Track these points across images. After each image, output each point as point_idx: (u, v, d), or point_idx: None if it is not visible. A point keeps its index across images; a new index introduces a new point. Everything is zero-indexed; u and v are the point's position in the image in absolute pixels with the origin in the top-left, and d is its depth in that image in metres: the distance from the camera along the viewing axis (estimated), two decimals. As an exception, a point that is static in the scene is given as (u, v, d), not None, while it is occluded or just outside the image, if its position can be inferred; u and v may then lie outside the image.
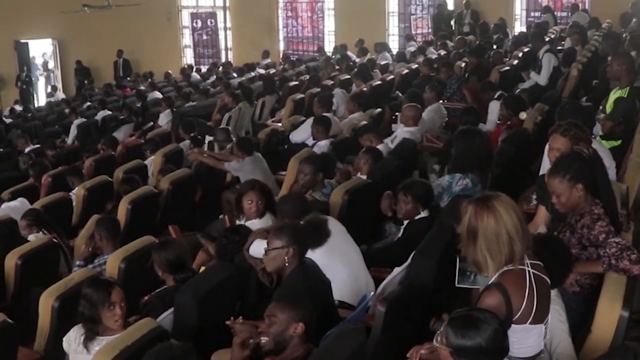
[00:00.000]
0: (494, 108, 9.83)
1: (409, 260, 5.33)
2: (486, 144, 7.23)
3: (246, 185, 6.79)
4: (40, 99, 26.41)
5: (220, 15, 26.31)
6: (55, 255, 7.14)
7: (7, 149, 15.68)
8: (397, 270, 5.41)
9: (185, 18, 27.24)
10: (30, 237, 7.35)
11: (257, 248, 5.40)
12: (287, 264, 4.96)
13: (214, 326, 4.93)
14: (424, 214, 6.31)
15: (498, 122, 9.42)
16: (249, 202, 6.55)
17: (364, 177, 7.52)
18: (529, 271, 3.82)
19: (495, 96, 10.30)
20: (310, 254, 5.20)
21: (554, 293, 4.18)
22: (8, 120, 20.20)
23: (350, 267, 5.69)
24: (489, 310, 3.58)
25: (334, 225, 5.83)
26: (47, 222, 7.62)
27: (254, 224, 6.42)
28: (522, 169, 8.12)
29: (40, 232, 7.41)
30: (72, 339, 4.89)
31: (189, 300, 4.94)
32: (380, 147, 8.37)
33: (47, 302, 5.45)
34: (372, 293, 5.34)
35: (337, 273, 5.40)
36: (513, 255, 3.79)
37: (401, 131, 9.35)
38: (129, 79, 24.89)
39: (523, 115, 8.82)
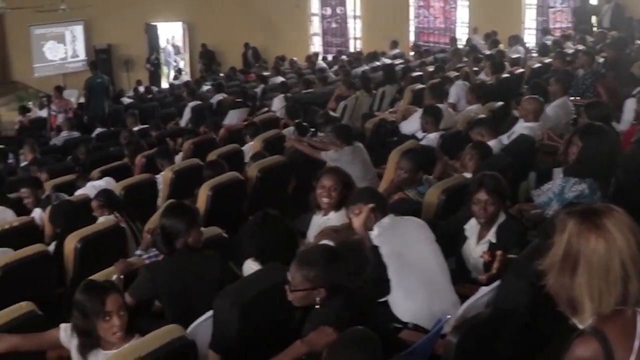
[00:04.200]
0: (630, 106, 8.73)
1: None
2: (613, 145, 6.08)
3: (323, 170, 6.02)
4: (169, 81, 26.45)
5: (350, 2, 25.63)
6: (120, 240, 6.57)
7: (119, 127, 15.47)
8: (483, 290, 4.43)
9: (315, 5, 26.70)
10: (101, 219, 6.89)
11: None
12: (317, 306, 4.07)
13: (261, 338, 4.19)
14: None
15: (633, 122, 8.32)
16: (321, 187, 5.77)
17: (469, 175, 6.62)
18: None
19: (634, 93, 9.15)
20: None
21: None
22: (128, 101, 20.23)
23: (431, 284, 4.82)
24: None
25: (418, 232, 5.00)
26: (119, 204, 7.11)
27: (330, 219, 5.65)
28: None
29: (112, 215, 6.90)
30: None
31: (228, 306, 4.18)
32: (492, 142, 7.44)
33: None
34: (448, 316, 4.40)
35: (411, 291, 4.56)
36: (626, 298, 2.68)
37: (519, 126, 8.36)
38: (257, 64, 24.61)
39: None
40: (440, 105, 9.62)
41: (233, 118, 13.58)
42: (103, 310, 3.99)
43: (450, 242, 5.32)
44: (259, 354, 4.09)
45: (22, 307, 4.66)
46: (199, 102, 16.07)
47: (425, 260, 4.88)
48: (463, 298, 4.77)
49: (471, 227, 5.37)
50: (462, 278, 5.23)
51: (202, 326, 4.36)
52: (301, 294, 4.04)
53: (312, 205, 6.07)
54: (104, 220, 6.78)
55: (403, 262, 4.73)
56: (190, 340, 3.96)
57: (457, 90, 11.78)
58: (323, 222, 5.80)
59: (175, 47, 27.53)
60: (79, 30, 26.20)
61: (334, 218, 5.73)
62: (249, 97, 16.19)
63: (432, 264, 4.90)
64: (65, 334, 4.25)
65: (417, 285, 4.76)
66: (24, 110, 20.29)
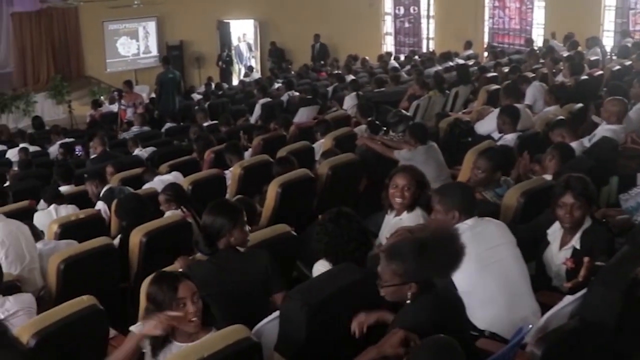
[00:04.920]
0: None
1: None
2: None
3: (396, 169, 5.78)
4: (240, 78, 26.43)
5: (424, 2, 25.25)
6: (187, 235, 6.38)
7: (189, 123, 15.43)
8: (568, 299, 4.13)
9: (388, 4, 26.32)
10: (168, 214, 6.79)
11: None
12: (408, 301, 3.82)
13: (330, 342, 3.96)
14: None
15: None
16: (394, 186, 5.52)
17: (549, 177, 6.31)
18: None
19: None
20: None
21: None
22: (198, 97, 20.26)
23: (510, 290, 4.54)
24: None
25: (499, 234, 4.73)
26: (186, 199, 6.99)
27: (402, 219, 5.40)
28: None
29: (179, 209, 6.77)
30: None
31: (297, 307, 3.96)
32: (573, 144, 7.09)
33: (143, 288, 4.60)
34: (530, 326, 4.11)
35: (489, 297, 4.29)
36: None
37: (602, 128, 7.99)
38: (322, 62, 24.49)
39: None
40: (517, 106, 9.28)
41: (303, 116, 13.43)
42: (176, 297, 3.87)
43: (530, 247, 5.03)
44: (327, 358, 3.87)
45: (84, 300, 4.53)
46: (269, 100, 15.98)
47: (505, 264, 4.61)
48: (543, 306, 4.52)
49: (554, 231, 5.07)
50: (543, 285, 4.94)
51: (267, 327, 4.16)
52: (392, 289, 3.80)
53: (384, 205, 5.82)
54: (171, 214, 6.67)
55: (482, 265, 4.46)
56: (256, 342, 3.76)
57: (533, 92, 11.40)
58: (395, 222, 5.56)
59: (247, 44, 27.53)
60: (151, 26, 26.32)
61: (407, 218, 5.48)
62: (319, 95, 16.01)
63: (512, 269, 4.62)
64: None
65: (496, 291, 4.50)
66: (96, 104, 20.48)
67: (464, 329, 3.98)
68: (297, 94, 16.33)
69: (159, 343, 3.91)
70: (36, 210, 7.94)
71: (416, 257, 3.75)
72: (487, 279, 4.45)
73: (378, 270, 3.88)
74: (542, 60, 16.32)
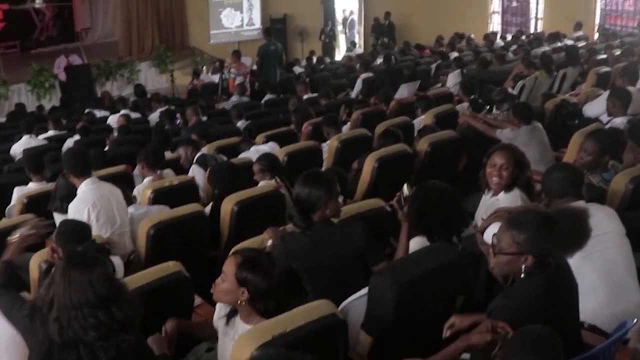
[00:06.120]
0: None
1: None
2: None
3: (495, 147, 5.52)
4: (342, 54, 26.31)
5: (533, -19, 24.65)
6: (279, 206, 6.30)
7: (289, 95, 15.36)
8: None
9: (496, -17, 25.81)
10: (261, 184, 6.70)
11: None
12: (523, 274, 3.57)
13: (419, 323, 3.77)
14: None
15: None
16: (492, 165, 5.27)
17: (664, 163, 5.98)
18: None
19: None
20: None
21: None
22: (300, 70, 20.19)
23: (613, 281, 4.27)
24: None
25: (607, 222, 4.45)
26: (280, 169, 6.88)
27: (499, 200, 5.16)
28: None
29: (273, 180, 6.67)
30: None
31: (386, 286, 3.78)
32: (689, 131, 6.71)
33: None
34: (635, 320, 3.81)
35: (590, 287, 4.02)
36: None
37: None
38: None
39: None
40: (630, 89, 8.86)
41: (404, 92, 13.19)
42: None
43: (638, 237, 4.72)
44: (415, 340, 3.68)
45: (170, 267, 4.46)
46: (370, 74, 15.77)
47: (610, 254, 4.34)
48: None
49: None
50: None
51: (355, 304, 4.00)
52: (506, 259, 3.56)
53: (481, 185, 5.57)
54: (264, 185, 6.57)
55: (585, 253, 4.19)
56: (341, 320, 3.60)
57: (647, 75, 10.90)
58: (492, 203, 5.32)
59: (351, 20, 27.38)
60: (256, -2, 26.42)
61: (504, 199, 5.23)
62: (420, 72, 15.74)
63: (618, 260, 4.35)
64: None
65: (598, 281, 4.24)
66: (196, 74, 20.61)
67: (575, 315, 3.72)
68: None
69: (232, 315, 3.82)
70: (132, 176, 7.95)
71: (539, 229, 3.52)
72: (589, 268, 4.19)
73: (494, 237, 3.64)
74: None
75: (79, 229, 4.97)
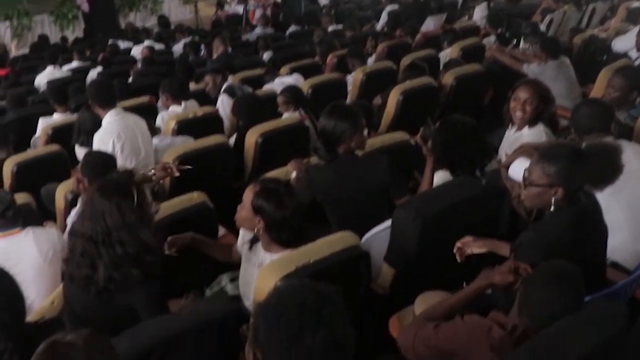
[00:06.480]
0: None
1: None
2: None
3: (520, 82, 5.46)
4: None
5: None
6: (303, 138, 6.29)
7: (313, 27, 15.25)
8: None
9: None
10: (285, 115, 6.68)
11: (520, 169, 3.93)
12: (552, 207, 3.51)
13: (441, 257, 3.77)
14: None
15: None
16: (516, 100, 5.20)
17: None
18: None
19: None
20: None
21: None
22: (324, 2, 20.00)
23: (638, 219, 4.23)
24: None
25: (633, 159, 4.38)
26: (305, 101, 6.87)
27: (523, 135, 5.12)
28: None
29: (297, 112, 6.66)
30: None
31: (409, 220, 3.78)
32: None
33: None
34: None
35: (615, 224, 3.96)
36: None
37: None
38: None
39: None
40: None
41: (430, 24, 13.06)
42: None
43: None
44: (437, 274, 3.69)
45: (194, 197, 4.49)
46: (396, 7, 15.63)
47: (637, 192, 4.29)
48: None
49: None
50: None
51: (378, 236, 4.01)
52: (536, 191, 3.51)
53: (505, 120, 5.53)
54: (289, 116, 6.56)
55: (614, 189, 4.15)
56: (364, 251, 3.62)
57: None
58: (515, 138, 5.27)
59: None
60: None
61: (528, 134, 5.17)
62: (447, 4, 15.57)
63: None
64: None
65: (623, 219, 4.21)
66: (220, 5, 20.45)
67: (601, 252, 3.71)
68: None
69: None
70: (155, 107, 7.96)
71: (571, 162, 3.46)
72: (616, 205, 4.14)
73: (526, 170, 3.60)
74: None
75: (105, 160, 4.99)
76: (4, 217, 4.23)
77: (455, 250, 3.64)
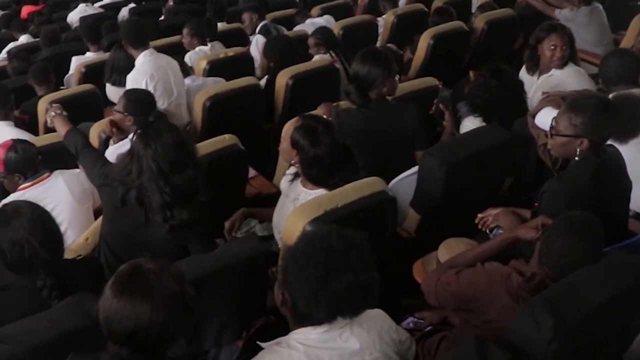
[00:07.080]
0: None
1: None
2: None
3: (547, 27, 5.46)
4: None
5: None
6: (334, 80, 6.29)
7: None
8: None
9: None
10: (316, 57, 6.69)
11: (546, 118, 3.96)
12: (577, 158, 3.56)
13: (467, 204, 3.84)
14: None
15: None
16: (552, 47, 5.23)
17: None
18: None
19: None
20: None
21: None
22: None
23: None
24: None
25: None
26: (336, 43, 6.87)
27: (554, 76, 5.14)
28: None
29: (328, 54, 6.68)
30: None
31: (436, 165, 3.86)
32: None
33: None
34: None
35: (638, 176, 4.02)
36: None
37: None
38: None
39: None
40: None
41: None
42: None
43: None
44: (462, 220, 3.77)
45: (225, 139, 4.56)
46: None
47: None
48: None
49: None
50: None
51: (404, 182, 4.09)
52: (562, 141, 3.55)
53: (527, 66, 5.56)
54: (319, 59, 6.57)
55: (637, 140, 4.18)
56: (391, 196, 3.69)
57: None
58: (542, 80, 5.32)
59: None
60: None
61: (559, 76, 5.22)
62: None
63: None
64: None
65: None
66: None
67: (623, 204, 3.77)
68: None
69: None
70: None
71: (597, 113, 3.50)
72: (638, 156, 4.18)
73: (552, 119, 3.64)
74: None
75: (148, 99, 5.06)
76: (33, 168, 4.37)
77: (477, 221, 3.70)
